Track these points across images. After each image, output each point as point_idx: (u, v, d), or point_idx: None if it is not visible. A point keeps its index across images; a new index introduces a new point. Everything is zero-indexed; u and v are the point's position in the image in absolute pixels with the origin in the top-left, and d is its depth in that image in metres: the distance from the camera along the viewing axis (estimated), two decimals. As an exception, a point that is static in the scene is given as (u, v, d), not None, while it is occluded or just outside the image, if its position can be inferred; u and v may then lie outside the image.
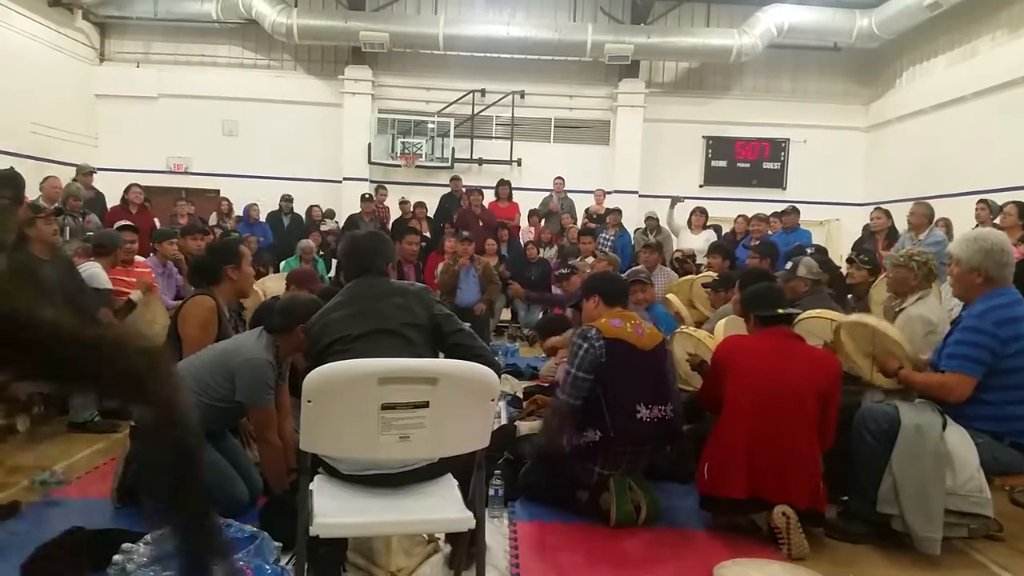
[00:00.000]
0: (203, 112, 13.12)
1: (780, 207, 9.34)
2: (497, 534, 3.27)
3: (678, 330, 4.68)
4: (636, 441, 3.47)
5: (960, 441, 3.15)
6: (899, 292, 3.98)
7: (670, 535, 3.41)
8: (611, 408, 3.43)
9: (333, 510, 2.27)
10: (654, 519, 3.48)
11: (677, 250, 9.05)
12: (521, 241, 10.19)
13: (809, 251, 6.48)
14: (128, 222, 6.55)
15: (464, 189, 10.88)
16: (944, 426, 3.16)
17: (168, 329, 4.01)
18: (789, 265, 5.18)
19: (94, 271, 5.11)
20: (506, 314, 9.29)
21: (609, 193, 11.99)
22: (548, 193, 11.41)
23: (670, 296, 5.88)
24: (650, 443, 3.54)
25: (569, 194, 11.39)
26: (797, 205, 9.14)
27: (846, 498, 3.46)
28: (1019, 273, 5.18)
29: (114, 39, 13.35)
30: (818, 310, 4.28)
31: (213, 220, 10.52)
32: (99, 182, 10.28)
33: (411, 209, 10.86)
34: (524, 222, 11.03)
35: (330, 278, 8.83)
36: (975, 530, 3.18)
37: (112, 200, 9.98)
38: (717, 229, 9.80)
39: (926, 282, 3.96)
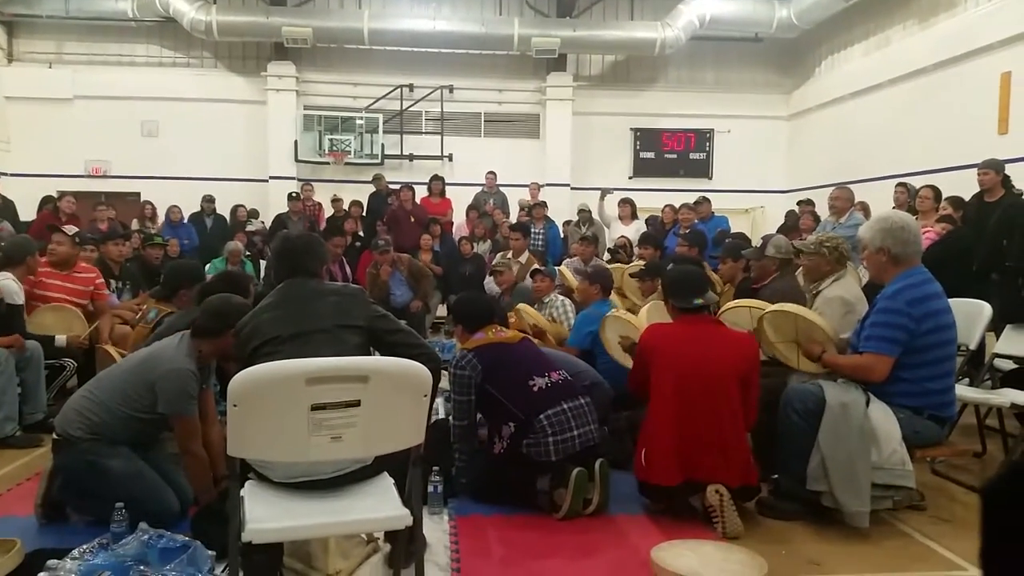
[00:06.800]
0: (121, 113, 12.65)
1: (707, 196, 9.47)
2: (437, 530, 3.25)
3: (608, 314, 4.74)
4: (550, 404, 3.52)
5: (883, 417, 3.25)
6: (814, 278, 4.13)
7: (609, 521, 3.45)
8: (508, 395, 3.56)
9: (266, 515, 2.22)
10: (600, 512, 3.50)
11: (620, 237, 8.98)
12: (455, 237, 10.12)
13: (728, 240, 6.61)
14: (54, 224, 6.33)
15: (394, 186, 10.75)
16: (867, 403, 3.26)
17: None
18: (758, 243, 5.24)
19: (4, 283, 4.84)
20: (442, 310, 9.22)
21: (542, 186, 12.02)
22: (480, 188, 11.39)
23: (562, 268, 6.04)
24: (566, 400, 3.57)
25: (502, 188, 11.39)
26: (723, 193, 9.27)
27: (776, 477, 3.56)
28: (942, 253, 5.42)
29: (23, 39, 12.80)
30: (738, 300, 4.40)
31: (135, 225, 10.19)
32: (14, 188, 9.88)
33: (344, 208, 10.69)
34: (457, 217, 10.96)
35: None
36: (899, 501, 3.31)
37: (24, 207, 9.61)
38: (651, 220, 9.85)
39: (839, 265, 4.11)
